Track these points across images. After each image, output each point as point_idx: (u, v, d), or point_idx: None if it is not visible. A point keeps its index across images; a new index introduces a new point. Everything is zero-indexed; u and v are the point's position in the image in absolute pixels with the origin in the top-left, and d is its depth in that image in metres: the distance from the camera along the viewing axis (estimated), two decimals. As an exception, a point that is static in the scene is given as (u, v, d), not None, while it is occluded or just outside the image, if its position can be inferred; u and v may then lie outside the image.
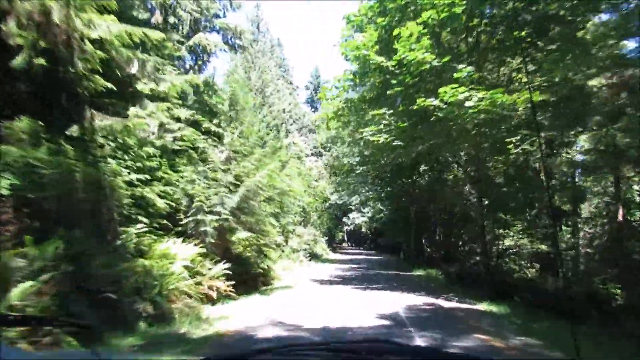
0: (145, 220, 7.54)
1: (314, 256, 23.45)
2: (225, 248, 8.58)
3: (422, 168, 22.52)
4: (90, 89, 6.39)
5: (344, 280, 13.10)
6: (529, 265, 15.25)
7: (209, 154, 8.70)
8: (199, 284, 7.38)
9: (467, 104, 7.77)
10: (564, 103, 9.09)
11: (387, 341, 1.04)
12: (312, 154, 38.09)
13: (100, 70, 6.19)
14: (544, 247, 13.99)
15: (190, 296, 6.45)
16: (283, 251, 19.60)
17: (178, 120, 8.67)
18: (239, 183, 8.74)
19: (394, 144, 9.04)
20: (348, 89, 10.77)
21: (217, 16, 15.46)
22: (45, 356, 1.16)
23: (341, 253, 35.77)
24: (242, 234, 8.19)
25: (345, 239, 51.37)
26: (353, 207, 36.43)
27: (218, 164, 8.63)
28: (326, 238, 33.44)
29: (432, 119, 8.59)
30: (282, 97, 37.69)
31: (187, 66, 14.72)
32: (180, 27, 13.87)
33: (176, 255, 7.46)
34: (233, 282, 8.13)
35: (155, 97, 8.24)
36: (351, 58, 9.99)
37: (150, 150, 7.66)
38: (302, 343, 1.17)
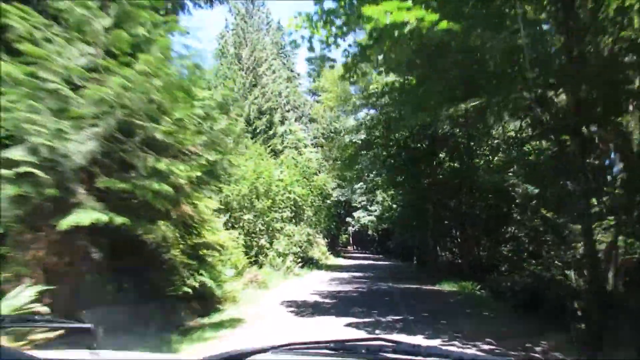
0: None
1: (308, 261, 18.68)
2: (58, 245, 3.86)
3: (442, 154, 17.87)
4: None
5: (340, 303, 8.28)
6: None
7: (46, 51, 4.01)
8: None
9: None
10: None
11: (385, 339, 1.08)
12: (312, 144, 33.38)
13: None
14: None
15: None
16: (266, 255, 14.97)
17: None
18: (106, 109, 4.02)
19: (436, 29, 4.18)
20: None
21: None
22: (45, 356, 1.04)
23: (344, 257, 31.01)
24: (82, 217, 3.48)
25: (350, 241, 46.50)
26: (358, 205, 31.74)
27: (59, 69, 3.93)
28: (327, 240, 28.69)
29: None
30: (278, 79, 33.00)
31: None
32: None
33: None
34: (60, 333, 3.40)
35: None
36: None
37: None
38: (303, 342, 1.07)
